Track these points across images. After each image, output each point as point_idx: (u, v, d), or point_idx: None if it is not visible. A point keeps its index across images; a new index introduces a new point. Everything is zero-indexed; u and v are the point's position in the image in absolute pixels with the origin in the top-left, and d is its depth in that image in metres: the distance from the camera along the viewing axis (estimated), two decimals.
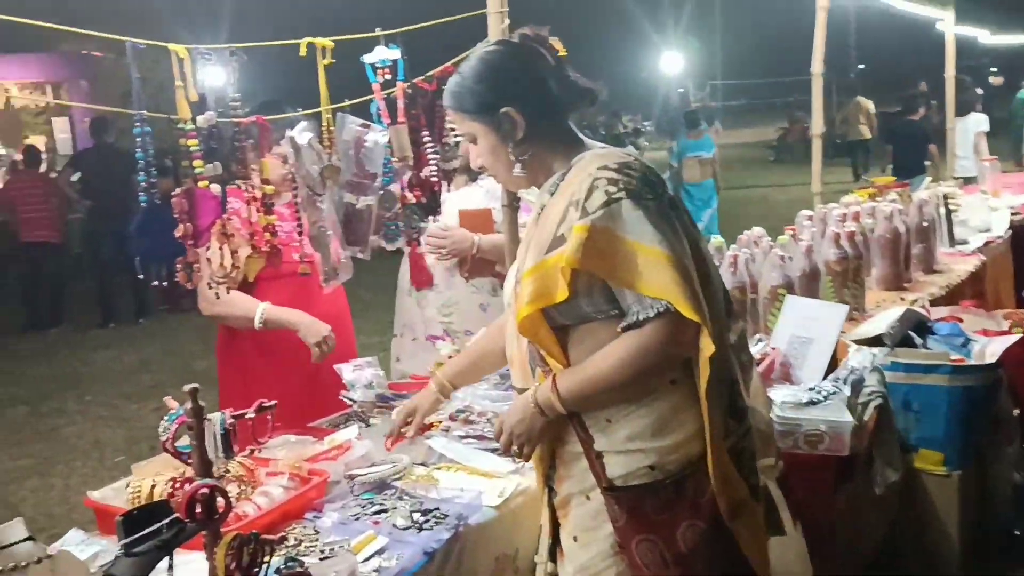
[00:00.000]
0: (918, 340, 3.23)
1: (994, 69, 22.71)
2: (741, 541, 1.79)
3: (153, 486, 1.80)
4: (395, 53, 2.68)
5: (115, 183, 8.52)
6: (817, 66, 4.91)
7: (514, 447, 1.88)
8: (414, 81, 2.76)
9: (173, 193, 2.22)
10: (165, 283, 2.28)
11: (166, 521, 1.50)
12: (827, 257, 3.51)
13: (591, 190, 1.71)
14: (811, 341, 2.60)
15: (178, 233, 2.24)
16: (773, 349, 2.62)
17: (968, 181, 6.88)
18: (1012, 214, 5.66)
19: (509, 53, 1.88)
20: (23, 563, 1.34)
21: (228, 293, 2.38)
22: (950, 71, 6.86)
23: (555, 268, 1.72)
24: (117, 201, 8.61)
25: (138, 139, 2.16)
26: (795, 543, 1.91)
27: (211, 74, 2.30)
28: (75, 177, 9.69)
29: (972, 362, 3.10)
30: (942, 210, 4.79)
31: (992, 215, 5.50)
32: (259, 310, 2.78)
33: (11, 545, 1.35)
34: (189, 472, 1.99)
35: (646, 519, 1.77)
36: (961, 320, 3.45)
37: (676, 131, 10.76)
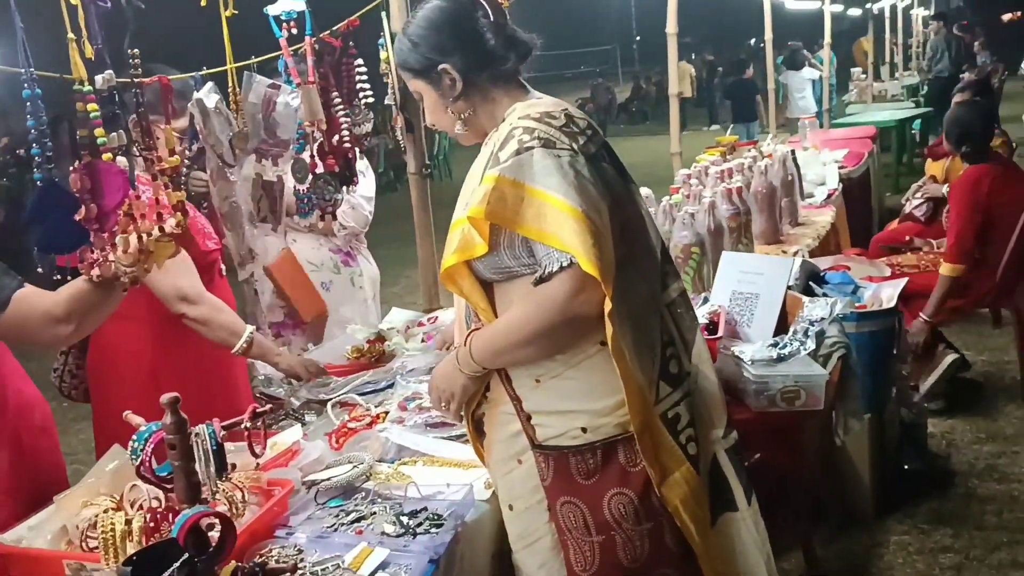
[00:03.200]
0: (818, 290, 3.32)
1: None
2: (677, 516, 1.73)
3: (128, 521, 1.47)
4: (300, 4, 2.38)
5: None
6: (672, 26, 4.99)
7: (441, 403, 1.88)
8: (321, 36, 2.47)
9: (72, 168, 1.84)
10: (70, 277, 1.90)
11: (177, 564, 1.21)
12: (722, 214, 3.53)
13: (507, 139, 1.69)
14: (756, 297, 2.57)
15: (79, 216, 1.87)
16: (719, 307, 2.57)
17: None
18: (839, 167, 6.02)
19: (447, 9, 1.82)
20: None
21: (138, 285, 2.02)
22: (768, 34, 7.18)
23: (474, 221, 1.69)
24: None
25: (28, 103, 1.77)
26: (749, 520, 1.83)
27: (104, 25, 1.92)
28: None
29: (872, 308, 3.22)
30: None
31: (824, 169, 5.82)
32: (246, 333, 2.41)
33: None
34: (130, 498, 1.68)
35: (572, 481, 1.73)
36: (849, 268, 3.58)
37: None
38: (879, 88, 11.99)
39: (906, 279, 3.42)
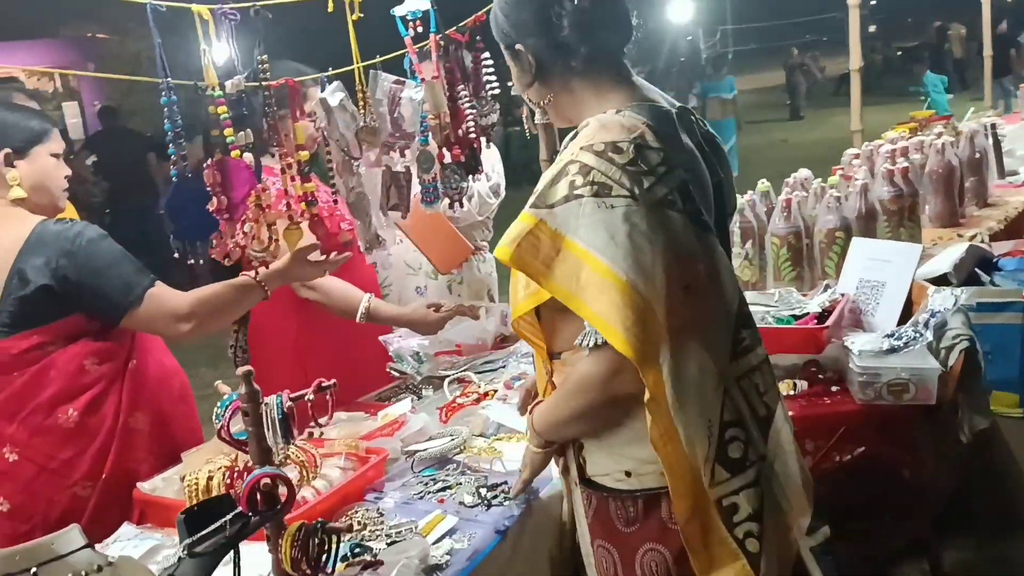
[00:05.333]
0: (985, 277, 3.08)
1: None
2: None
3: (210, 478, 1.70)
4: (425, 3, 2.52)
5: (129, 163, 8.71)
6: None
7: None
8: (447, 32, 2.60)
9: (205, 164, 2.09)
10: (201, 260, 2.16)
11: (229, 516, 1.39)
12: (881, 196, 3.34)
13: (559, 175, 1.48)
14: (883, 285, 2.44)
15: (211, 207, 2.12)
16: (842, 296, 2.47)
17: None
18: None
19: None
20: (82, 573, 1.24)
21: (267, 269, 2.26)
22: None
23: None
24: (133, 181, 8.79)
25: (165, 108, 2.03)
26: None
27: (235, 36, 2.15)
28: (90, 160, 9.62)
29: None
30: (990, 141, 4.58)
31: None
32: (363, 302, 2.63)
33: (68, 555, 1.24)
34: (243, 458, 1.90)
35: (610, 526, 1.63)
36: None
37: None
38: None
39: None
